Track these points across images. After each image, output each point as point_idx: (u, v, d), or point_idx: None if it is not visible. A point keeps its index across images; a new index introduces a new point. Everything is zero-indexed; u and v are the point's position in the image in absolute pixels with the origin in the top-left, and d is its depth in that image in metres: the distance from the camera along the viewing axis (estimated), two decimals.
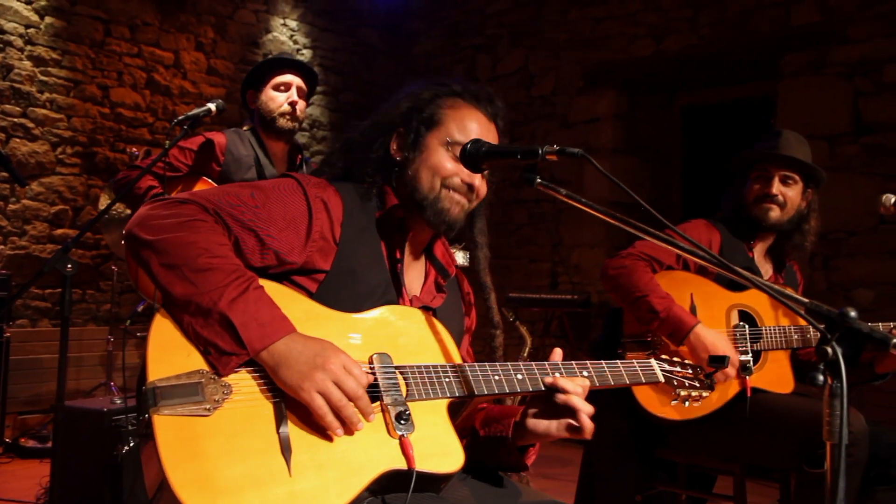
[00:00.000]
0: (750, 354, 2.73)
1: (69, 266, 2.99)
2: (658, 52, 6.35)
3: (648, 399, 2.70)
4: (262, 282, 1.60)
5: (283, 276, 1.69)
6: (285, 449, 1.45)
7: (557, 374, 1.75)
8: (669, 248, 2.78)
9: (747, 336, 2.76)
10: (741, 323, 2.79)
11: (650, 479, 2.98)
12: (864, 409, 2.66)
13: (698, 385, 2.00)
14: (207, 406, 1.44)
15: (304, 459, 1.47)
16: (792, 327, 2.80)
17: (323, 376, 1.48)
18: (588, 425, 1.69)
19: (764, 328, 2.79)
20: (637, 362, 1.93)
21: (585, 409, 1.69)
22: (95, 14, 6.07)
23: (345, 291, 1.69)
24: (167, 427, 1.41)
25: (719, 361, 1.97)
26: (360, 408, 1.51)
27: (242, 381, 1.50)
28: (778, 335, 2.78)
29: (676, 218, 6.44)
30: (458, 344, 1.90)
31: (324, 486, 1.46)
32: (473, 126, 1.80)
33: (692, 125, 6.89)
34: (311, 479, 1.45)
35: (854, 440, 2.48)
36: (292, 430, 1.49)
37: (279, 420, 1.49)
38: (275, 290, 1.62)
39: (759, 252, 3.02)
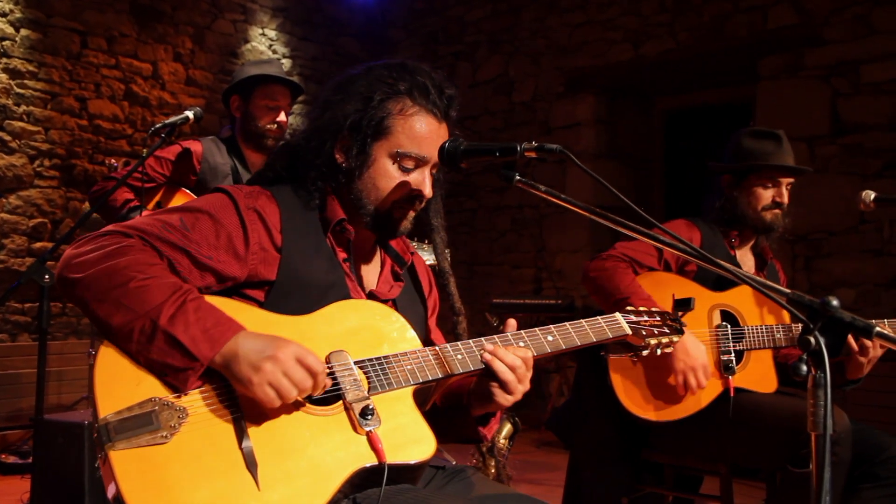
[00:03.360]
0: (732, 354, 2.72)
1: (46, 277, 2.96)
2: (637, 57, 6.39)
3: (632, 401, 2.70)
4: (208, 297, 1.58)
5: (231, 291, 1.67)
6: (250, 464, 1.44)
7: (495, 346, 1.69)
8: (650, 249, 2.84)
9: (729, 336, 2.76)
10: (723, 323, 2.79)
11: (637, 481, 2.97)
12: (847, 409, 2.66)
13: (667, 331, 1.98)
14: (164, 433, 1.42)
15: (272, 471, 1.45)
16: (777, 326, 2.80)
17: (272, 367, 1.45)
18: (498, 393, 1.66)
19: (746, 328, 2.79)
20: (602, 318, 1.88)
21: (504, 376, 1.65)
22: (72, 26, 6.02)
23: (295, 297, 1.66)
24: (126, 461, 1.38)
25: (685, 304, 1.95)
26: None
27: (197, 403, 1.48)
28: (761, 334, 2.78)
29: (658, 221, 6.47)
30: (422, 330, 1.88)
31: (295, 496, 1.44)
32: (423, 133, 1.75)
33: (672, 129, 6.94)
34: (281, 490, 1.44)
35: (838, 439, 2.48)
36: (255, 443, 1.47)
37: (240, 435, 1.46)
38: (222, 304, 1.59)
39: (741, 251, 3.03)
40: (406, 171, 1.76)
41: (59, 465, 3.47)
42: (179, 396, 1.47)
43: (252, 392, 1.45)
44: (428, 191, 1.77)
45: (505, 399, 1.68)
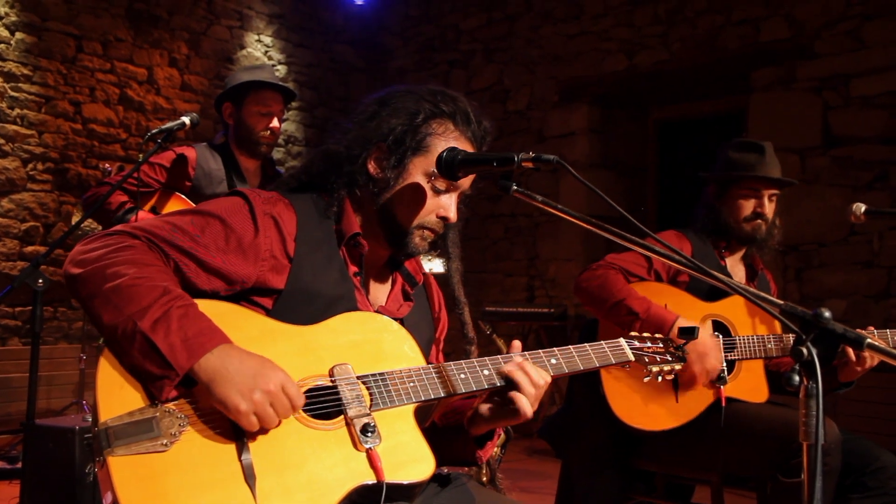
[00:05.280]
0: (724, 364, 2.74)
1: (40, 281, 2.95)
2: (630, 68, 6.42)
3: (624, 410, 2.71)
4: (215, 302, 1.57)
5: (240, 296, 1.65)
6: (249, 477, 1.42)
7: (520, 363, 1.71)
8: (639, 259, 2.86)
9: (721, 346, 2.77)
10: (715, 333, 2.81)
11: (628, 489, 2.98)
12: (837, 419, 2.68)
13: (670, 358, 1.98)
14: (164, 441, 1.40)
15: (270, 485, 1.43)
16: (768, 336, 2.82)
17: (262, 398, 1.44)
18: (523, 404, 1.67)
19: (738, 338, 2.80)
20: (606, 343, 1.89)
21: (527, 391, 1.67)
22: (67, 30, 6.02)
23: (303, 307, 1.65)
24: (124, 468, 1.37)
25: (689, 332, 1.97)
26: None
27: (199, 412, 1.46)
28: (753, 344, 2.80)
29: (650, 231, 6.49)
30: (427, 350, 1.88)
31: None
32: None
33: (666, 139, 6.97)
34: None
35: (828, 449, 2.50)
36: (255, 455, 1.45)
37: (240, 447, 1.45)
38: (228, 310, 1.58)
39: (731, 262, 3.05)
40: (437, 192, 1.77)
41: (48, 470, 3.46)
42: (181, 404, 1.45)
43: (236, 418, 1.43)
44: (454, 216, 1.79)
45: (525, 415, 1.68)
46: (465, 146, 1.78)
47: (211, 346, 1.45)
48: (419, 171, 1.76)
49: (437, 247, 1.90)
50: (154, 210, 3.51)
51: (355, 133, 1.81)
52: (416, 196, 1.76)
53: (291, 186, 1.85)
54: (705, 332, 2.68)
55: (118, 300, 1.45)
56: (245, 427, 1.44)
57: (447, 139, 1.76)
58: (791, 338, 2.81)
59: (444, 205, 1.78)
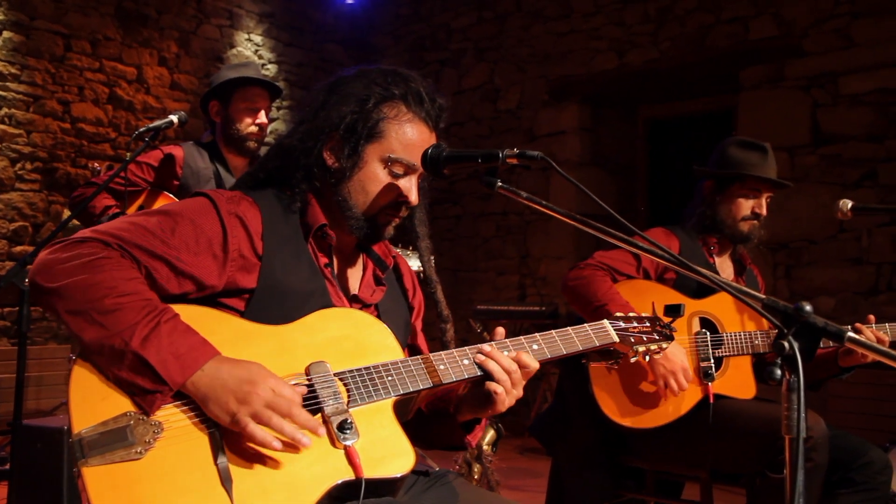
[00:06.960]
0: (712, 361, 2.75)
1: (27, 281, 2.93)
2: (620, 66, 6.44)
3: (613, 408, 2.71)
4: (187, 307, 1.56)
5: (210, 298, 1.64)
6: (225, 480, 1.41)
7: (489, 353, 1.67)
8: (628, 257, 2.86)
9: (709, 343, 2.78)
10: (703, 330, 2.81)
11: (618, 486, 2.98)
12: (826, 415, 2.69)
13: (657, 336, 1.95)
14: (139, 449, 1.40)
15: (247, 487, 1.42)
16: (755, 332, 2.83)
17: (260, 409, 1.43)
18: (497, 393, 1.64)
19: (725, 334, 2.81)
20: (589, 326, 1.86)
21: (500, 377, 1.64)
22: (55, 29, 5.99)
23: (276, 305, 1.64)
24: (99, 478, 1.36)
25: (675, 310, 1.94)
26: (299, 424, 1.46)
27: (173, 417, 1.45)
28: (740, 341, 2.81)
29: (640, 229, 6.51)
30: (406, 335, 1.87)
31: None
32: (415, 140, 1.74)
33: (656, 138, 6.99)
34: None
35: (815, 444, 2.51)
36: (231, 458, 1.44)
37: (216, 451, 1.44)
38: (201, 314, 1.57)
39: (720, 259, 3.06)
40: (395, 176, 1.75)
41: (37, 470, 3.44)
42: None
43: (241, 431, 1.43)
44: (414, 198, 1.76)
45: (502, 403, 1.65)
46: (420, 127, 1.76)
47: (203, 362, 1.45)
48: (375, 157, 1.74)
49: (405, 229, 1.88)
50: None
51: (307, 125, 1.79)
52: (375, 183, 1.74)
53: (251, 184, 1.83)
54: (678, 350, 2.68)
55: (103, 319, 1.44)
56: (260, 441, 1.43)
57: (400, 122, 1.75)
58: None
59: (404, 188, 1.75)
